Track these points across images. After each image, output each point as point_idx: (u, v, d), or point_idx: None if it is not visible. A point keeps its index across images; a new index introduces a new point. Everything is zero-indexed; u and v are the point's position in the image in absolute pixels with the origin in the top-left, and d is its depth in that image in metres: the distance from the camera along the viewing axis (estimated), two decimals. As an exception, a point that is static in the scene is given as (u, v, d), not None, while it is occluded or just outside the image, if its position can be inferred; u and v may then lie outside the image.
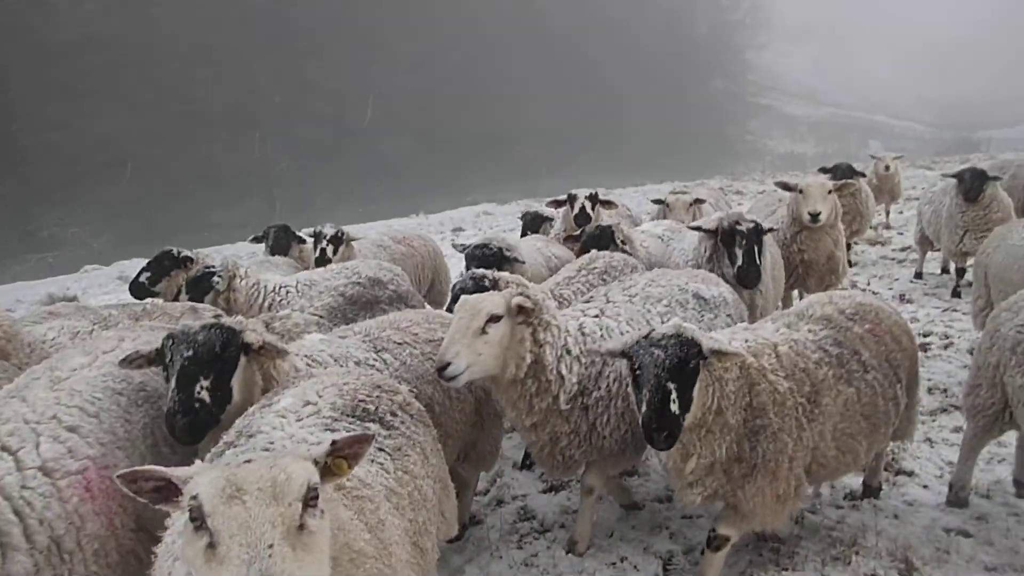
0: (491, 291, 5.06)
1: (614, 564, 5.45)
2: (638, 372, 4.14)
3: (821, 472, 4.87)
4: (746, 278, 6.94)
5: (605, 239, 7.69)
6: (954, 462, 6.14)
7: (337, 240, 9.36)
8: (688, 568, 5.20)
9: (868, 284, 12.77)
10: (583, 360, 4.99)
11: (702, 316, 5.82)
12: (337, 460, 2.44)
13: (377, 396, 3.66)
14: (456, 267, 10.86)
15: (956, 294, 11.71)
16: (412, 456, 3.54)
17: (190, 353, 3.83)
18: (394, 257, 9.91)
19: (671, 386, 4.05)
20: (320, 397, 3.46)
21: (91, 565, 3.36)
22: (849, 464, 5.02)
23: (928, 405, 7.59)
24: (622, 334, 5.03)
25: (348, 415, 3.38)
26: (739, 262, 6.96)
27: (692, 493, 4.61)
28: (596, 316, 5.33)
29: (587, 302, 5.69)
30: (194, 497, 2.17)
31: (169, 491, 2.33)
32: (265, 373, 4.09)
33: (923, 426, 7.34)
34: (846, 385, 4.82)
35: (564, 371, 4.87)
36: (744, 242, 6.99)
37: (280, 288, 7.27)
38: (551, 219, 10.98)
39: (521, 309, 4.65)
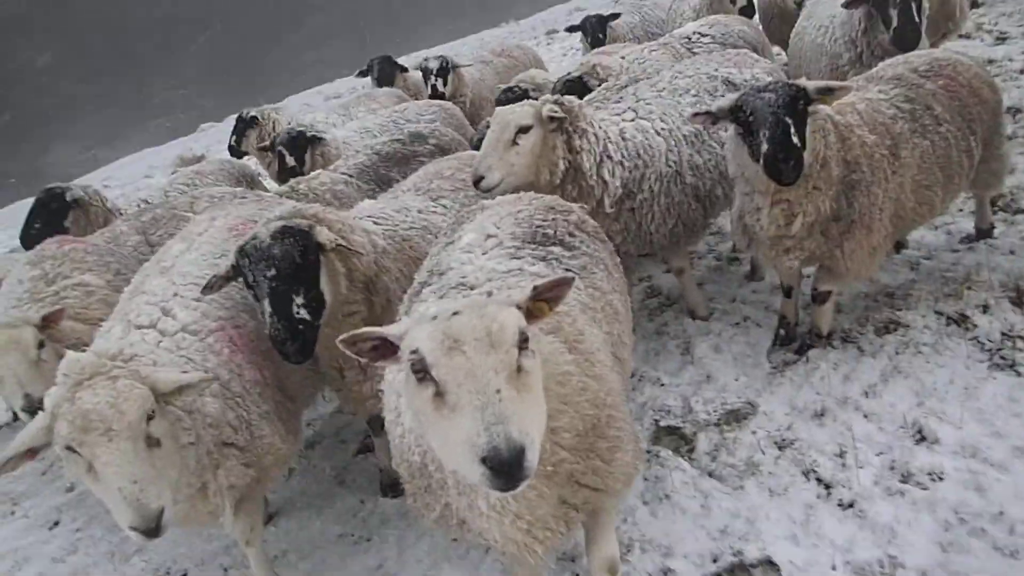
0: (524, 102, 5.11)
1: (738, 324, 6.02)
2: (751, 118, 4.29)
3: (900, 224, 5.13)
4: (903, 39, 6.38)
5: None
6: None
7: (444, 72, 9.67)
8: (805, 320, 5.67)
9: (995, 24, 11.88)
10: (626, 164, 5.11)
11: None
12: (538, 304, 2.48)
13: (552, 218, 3.75)
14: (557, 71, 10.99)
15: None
16: (598, 273, 3.64)
17: (273, 272, 3.67)
18: (498, 71, 10.16)
19: (789, 120, 4.20)
20: (499, 228, 3.57)
21: (262, 404, 3.87)
22: (925, 215, 5.28)
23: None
24: (658, 133, 5.31)
25: (529, 242, 3.48)
26: (894, 23, 6.43)
27: (790, 258, 4.87)
28: (632, 119, 5.39)
29: (618, 103, 5.62)
30: (414, 351, 2.25)
31: (386, 349, 2.44)
32: (344, 260, 3.97)
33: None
34: (921, 138, 5.01)
35: (607, 176, 5.03)
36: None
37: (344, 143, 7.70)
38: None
39: (552, 118, 4.79)
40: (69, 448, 2.98)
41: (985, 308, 5.33)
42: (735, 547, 3.96)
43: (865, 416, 4.70)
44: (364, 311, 4.06)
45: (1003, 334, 5.07)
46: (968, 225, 6.42)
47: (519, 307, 2.38)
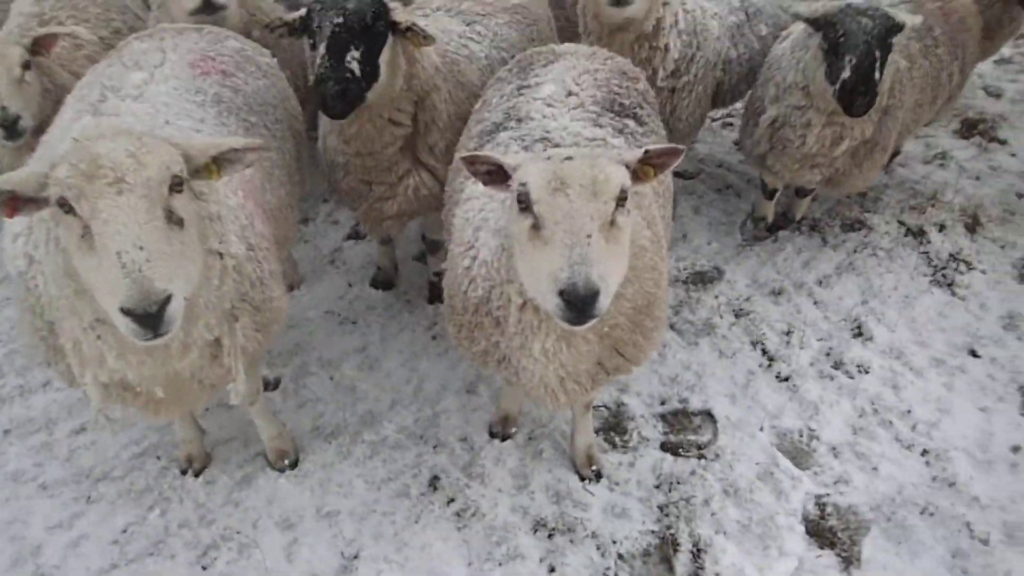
0: None
1: (719, 190, 6.47)
2: (841, 39, 4.17)
3: (897, 140, 5.41)
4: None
5: None
6: (1048, 135, 6.66)
7: None
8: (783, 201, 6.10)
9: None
10: (683, 38, 4.92)
11: None
12: (645, 167, 2.63)
13: (626, 87, 3.81)
14: None
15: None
16: None
17: (340, 20, 3.59)
18: None
19: (877, 53, 4.13)
20: (580, 87, 3.61)
21: (272, 262, 3.43)
22: (904, 134, 5.60)
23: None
24: (714, 17, 5.15)
25: (608, 109, 3.56)
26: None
27: (814, 174, 5.04)
28: None
29: None
30: (523, 184, 2.43)
31: (500, 175, 2.61)
32: (409, 56, 3.90)
33: (1027, 98, 7.72)
34: (923, 59, 5.22)
35: (672, 43, 4.83)
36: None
37: None
38: None
39: None
40: (63, 205, 2.33)
41: (941, 227, 5.87)
42: (682, 395, 4.56)
43: (815, 303, 5.27)
44: (409, 125, 4.12)
45: (950, 255, 5.63)
46: (940, 140, 6.83)
47: (628, 166, 2.56)
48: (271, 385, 4.63)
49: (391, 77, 3.84)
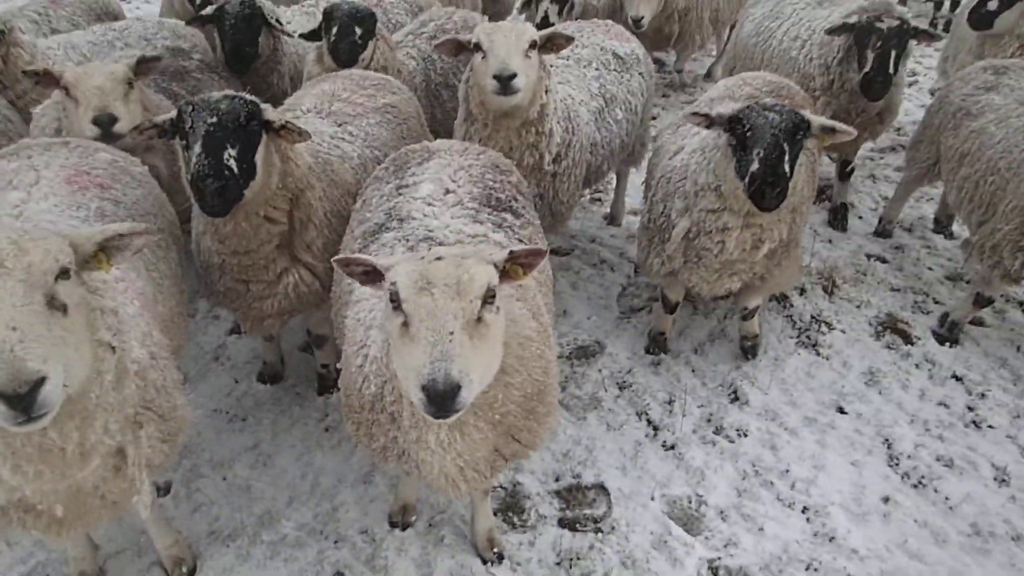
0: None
1: (595, 265, 6.73)
2: (748, 133, 4.13)
3: None
4: (870, 87, 6.05)
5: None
6: (889, 198, 7.28)
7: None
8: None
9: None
10: (562, 124, 5.05)
11: (621, 76, 6.01)
12: (514, 266, 2.76)
13: (500, 180, 3.98)
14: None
15: (933, 25, 12.11)
16: (538, 242, 3.93)
17: (214, 120, 3.61)
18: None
19: (785, 146, 4.08)
20: (456, 184, 3.77)
21: (173, 371, 3.42)
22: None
23: (880, 143, 8.50)
24: (581, 103, 5.39)
25: (486, 205, 3.73)
26: (867, 67, 5.99)
27: (733, 281, 4.89)
28: (560, 83, 5.36)
29: None
30: (393, 283, 2.56)
31: (375, 275, 2.76)
32: (283, 154, 3.95)
33: (871, 163, 8.45)
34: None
35: (554, 128, 4.92)
36: (880, 44, 5.94)
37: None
38: None
39: (558, 44, 4.71)
40: None
41: (802, 291, 6.31)
42: (575, 470, 4.70)
43: (693, 371, 5.56)
44: (284, 223, 4.12)
45: (812, 316, 6.06)
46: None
47: (496, 266, 2.67)
48: (162, 490, 4.49)
49: (266, 175, 3.88)
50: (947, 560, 4.14)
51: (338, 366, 3.50)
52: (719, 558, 4.15)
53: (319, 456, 4.80)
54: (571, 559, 4.12)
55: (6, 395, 2.16)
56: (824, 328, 5.95)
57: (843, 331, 5.94)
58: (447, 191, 3.73)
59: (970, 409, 5.20)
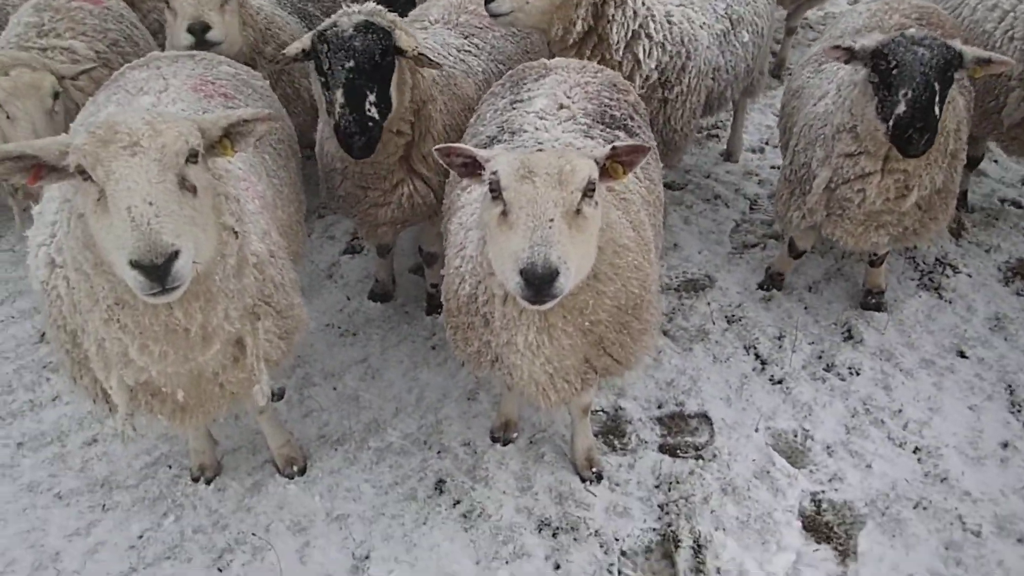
0: None
1: (708, 200, 6.61)
2: (894, 71, 3.82)
3: None
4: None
5: None
6: None
7: None
8: (769, 207, 6.25)
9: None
10: (668, 48, 4.76)
11: None
12: (614, 164, 2.75)
13: (617, 99, 3.94)
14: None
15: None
16: (652, 163, 3.90)
17: (352, 65, 3.69)
18: None
19: (936, 86, 3.77)
20: (571, 100, 3.74)
21: (291, 271, 3.59)
22: None
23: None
24: (701, 27, 5.05)
25: (599, 121, 3.68)
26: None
27: (880, 235, 4.54)
28: (679, 5, 5.06)
29: None
30: (494, 173, 2.60)
31: (474, 166, 2.79)
32: (412, 70, 4.02)
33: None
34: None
35: (641, 55, 4.66)
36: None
37: None
38: None
39: None
40: (81, 172, 2.42)
41: (927, 233, 6.01)
42: (678, 399, 4.68)
43: (806, 308, 5.41)
44: (409, 134, 4.22)
45: (936, 259, 5.78)
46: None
47: (596, 161, 2.69)
48: (276, 396, 4.71)
49: (400, 102, 4.00)
50: (1068, 509, 3.95)
51: (441, 272, 3.57)
52: (823, 491, 4.08)
53: (425, 372, 4.94)
54: (670, 483, 4.13)
55: (143, 265, 2.27)
56: (949, 271, 5.67)
57: (969, 275, 5.64)
58: (561, 106, 3.70)
59: (1107, 360, 4.89)
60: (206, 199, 2.60)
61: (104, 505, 4.02)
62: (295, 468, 4.22)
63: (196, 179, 2.54)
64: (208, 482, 4.15)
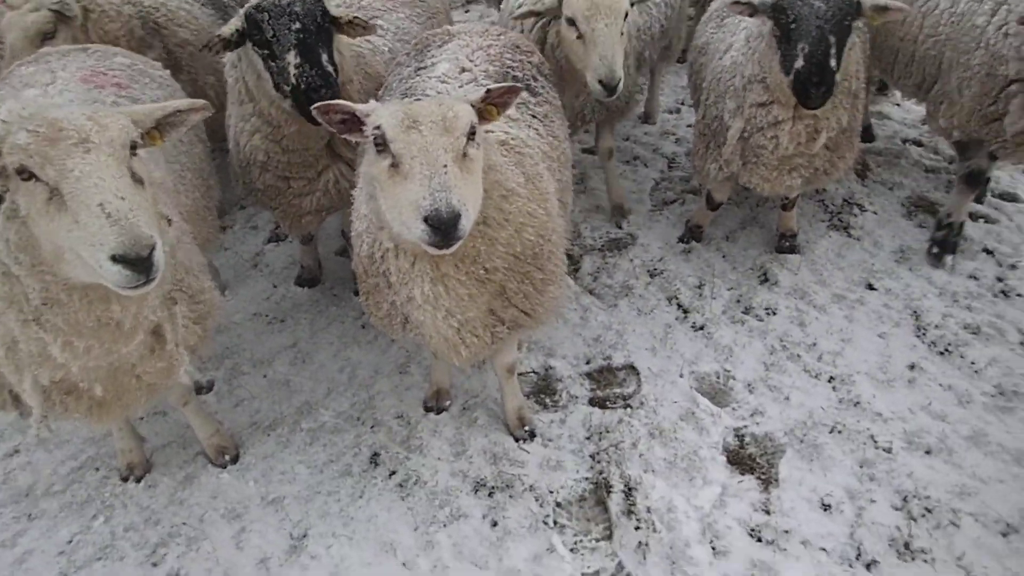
0: None
1: (628, 162, 6.73)
2: (792, 25, 3.92)
3: None
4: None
5: None
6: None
7: None
8: (686, 164, 6.39)
9: None
10: None
11: None
12: (489, 106, 2.83)
13: (519, 60, 4.00)
14: None
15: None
16: (556, 121, 3.97)
17: (298, 26, 3.71)
18: None
19: (832, 39, 3.84)
20: (473, 63, 3.78)
21: (198, 255, 3.57)
22: None
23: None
24: None
25: (499, 82, 3.66)
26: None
27: (793, 177, 4.67)
28: None
29: None
30: (377, 127, 2.60)
31: (353, 123, 2.78)
32: (342, 57, 4.05)
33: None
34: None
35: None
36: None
37: None
38: None
39: None
40: (21, 172, 2.38)
41: (834, 175, 6.22)
42: (605, 353, 4.78)
43: (724, 256, 5.56)
44: None
45: (844, 199, 5.99)
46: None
47: (472, 105, 2.75)
48: (205, 388, 4.69)
49: (344, 71, 4.02)
50: (970, 419, 4.16)
51: (352, 267, 3.58)
52: (745, 426, 4.22)
53: (356, 351, 4.95)
54: (600, 433, 4.22)
55: (129, 259, 2.29)
56: (856, 210, 5.88)
57: (875, 212, 5.86)
58: (463, 69, 3.74)
59: (999, 280, 5.14)
60: (149, 190, 2.59)
61: (30, 515, 3.95)
62: (227, 457, 4.20)
63: (140, 171, 2.55)
64: (138, 480, 4.11)
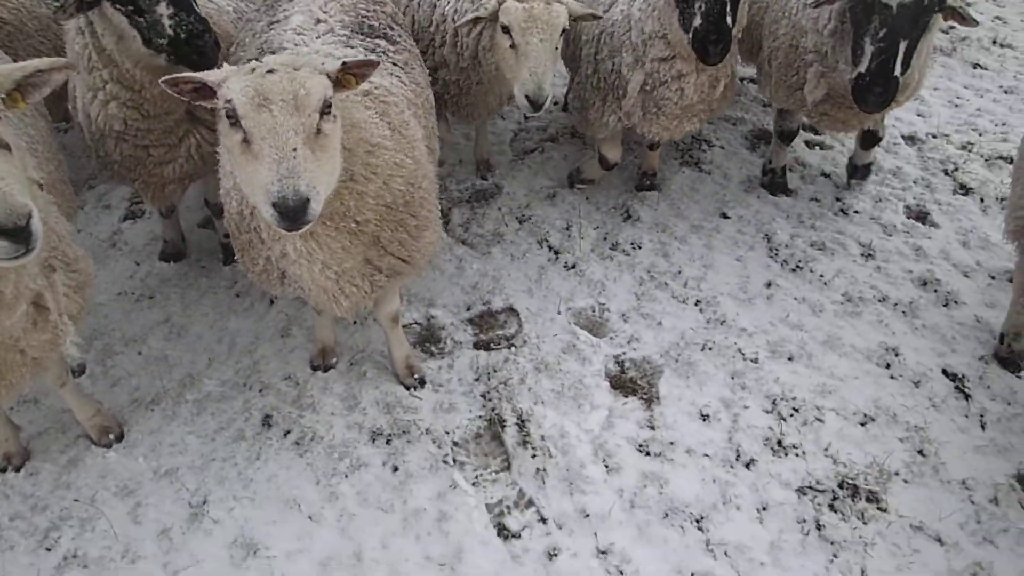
0: None
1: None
2: None
3: None
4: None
5: None
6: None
7: None
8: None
9: None
10: None
11: None
12: (347, 76, 2.75)
13: (374, 10, 4.02)
14: None
15: None
16: (416, 69, 4.04)
17: None
18: None
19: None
20: (328, 14, 3.77)
21: (65, 223, 3.50)
22: None
23: None
24: None
25: (357, 32, 3.74)
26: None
27: (693, 123, 4.93)
28: None
29: None
30: (228, 101, 2.54)
31: (205, 92, 2.69)
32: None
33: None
34: None
35: None
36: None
37: None
38: None
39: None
40: None
41: (682, 115, 6.56)
42: (484, 299, 4.92)
43: (587, 198, 5.79)
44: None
45: (693, 137, 6.34)
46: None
47: (328, 76, 2.67)
48: (77, 372, 4.50)
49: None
50: (824, 326, 4.59)
51: (225, 224, 3.54)
52: (624, 352, 4.48)
53: (233, 320, 4.87)
54: (489, 373, 4.37)
55: (8, 230, 2.26)
56: (705, 146, 6.24)
57: (722, 147, 6.25)
58: (318, 21, 3.73)
59: (837, 200, 5.63)
60: (17, 156, 2.50)
61: (-99, 517, 3.73)
62: (111, 436, 4.08)
63: (7, 136, 2.45)
64: (17, 469, 3.93)
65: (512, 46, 4.22)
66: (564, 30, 4.26)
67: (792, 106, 5.08)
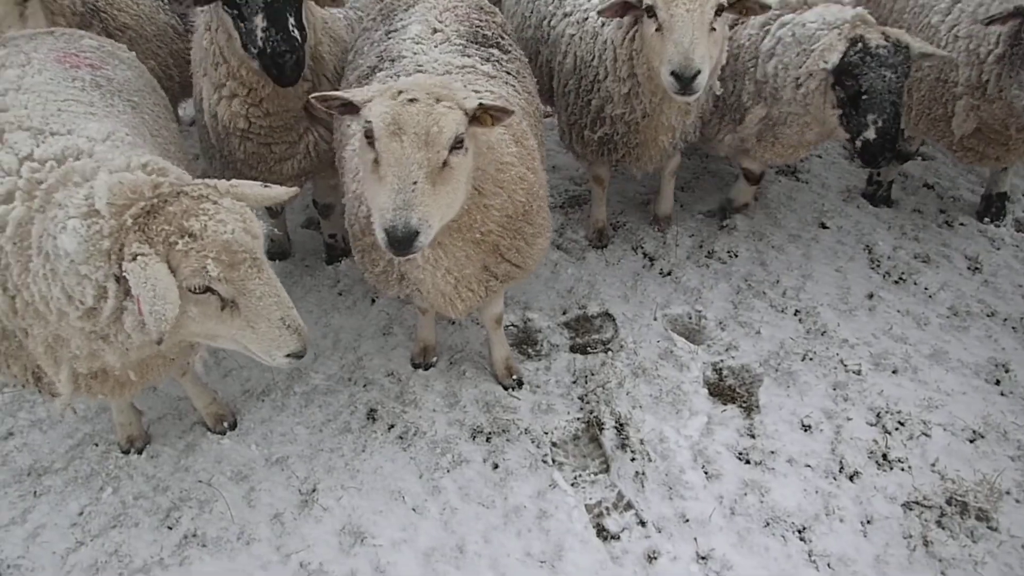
0: None
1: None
2: (865, 96, 4.01)
3: None
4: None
5: None
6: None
7: None
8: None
9: None
10: None
11: None
12: (484, 114, 2.83)
13: (486, 20, 4.14)
14: None
15: None
16: (528, 78, 4.14)
17: None
18: None
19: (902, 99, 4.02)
20: (443, 24, 3.93)
21: None
22: None
23: None
24: None
25: (473, 41, 3.86)
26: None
27: (807, 150, 4.89)
28: None
29: None
30: (368, 122, 2.70)
31: (350, 108, 2.87)
32: (310, 11, 4.10)
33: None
34: None
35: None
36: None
37: None
38: None
39: (749, 7, 4.01)
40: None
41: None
42: (580, 303, 4.98)
43: (681, 206, 5.80)
44: (311, 80, 4.27)
45: (790, 146, 6.28)
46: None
47: (466, 113, 2.77)
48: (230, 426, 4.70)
49: (311, 35, 4.08)
50: (929, 339, 4.51)
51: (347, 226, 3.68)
52: (722, 360, 4.48)
53: (336, 317, 5.04)
54: (586, 376, 4.43)
55: None
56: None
57: (819, 156, 6.18)
58: (435, 30, 3.87)
59: (941, 211, 5.51)
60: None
61: (36, 492, 3.97)
62: (226, 424, 4.28)
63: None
64: (139, 452, 4.16)
65: (658, 29, 3.83)
66: (722, 7, 3.79)
67: (933, 138, 4.90)
